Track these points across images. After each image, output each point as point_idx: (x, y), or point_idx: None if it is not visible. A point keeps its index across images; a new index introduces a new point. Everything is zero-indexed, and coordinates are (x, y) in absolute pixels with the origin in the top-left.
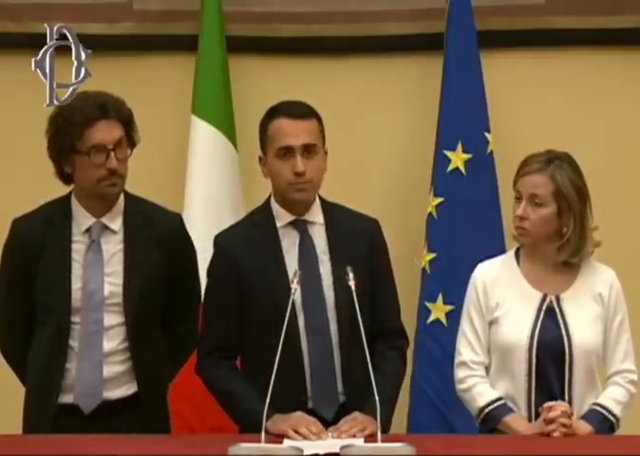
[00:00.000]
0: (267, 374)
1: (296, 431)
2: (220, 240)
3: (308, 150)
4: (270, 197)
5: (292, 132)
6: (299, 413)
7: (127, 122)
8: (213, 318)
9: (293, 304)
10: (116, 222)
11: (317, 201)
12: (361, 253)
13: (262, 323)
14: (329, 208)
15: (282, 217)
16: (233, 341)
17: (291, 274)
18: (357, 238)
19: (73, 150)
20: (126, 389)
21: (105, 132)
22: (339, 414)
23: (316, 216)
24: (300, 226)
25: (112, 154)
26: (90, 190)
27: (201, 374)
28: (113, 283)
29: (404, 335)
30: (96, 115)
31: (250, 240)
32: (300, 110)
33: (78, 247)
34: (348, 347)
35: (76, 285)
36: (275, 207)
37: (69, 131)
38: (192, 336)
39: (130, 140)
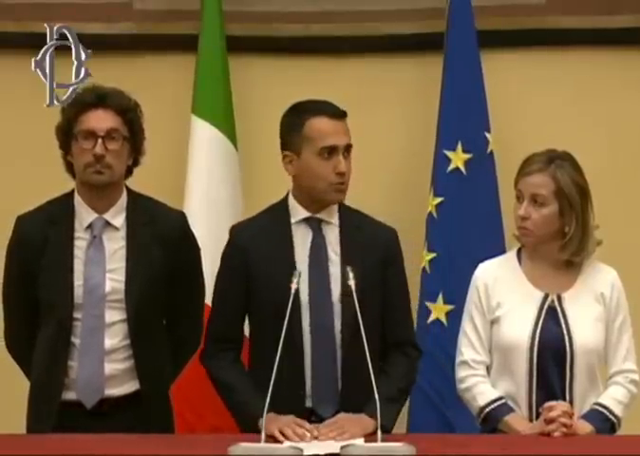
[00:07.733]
0: (270, 370)
1: (282, 433)
2: (234, 231)
3: (347, 151)
4: (288, 193)
5: (336, 132)
6: (291, 416)
7: (127, 116)
8: (219, 307)
9: (299, 301)
10: (118, 219)
11: None
12: (373, 259)
13: (267, 318)
14: (345, 211)
15: (297, 213)
16: (238, 332)
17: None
18: (371, 245)
19: (70, 135)
20: (129, 387)
21: (98, 120)
22: (337, 414)
23: (331, 216)
24: (314, 224)
25: (100, 141)
26: (80, 178)
27: (204, 362)
28: (115, 279)
29: (417, 347)
30: (93, 102)
31: (263, 234)
32: (339, 110)
33: (80, 243)
34: (350, 348)
35: (78, 281)
36: (292, 203)
37: (68, 115)
38: (194, 336)
39: (132, 142)
